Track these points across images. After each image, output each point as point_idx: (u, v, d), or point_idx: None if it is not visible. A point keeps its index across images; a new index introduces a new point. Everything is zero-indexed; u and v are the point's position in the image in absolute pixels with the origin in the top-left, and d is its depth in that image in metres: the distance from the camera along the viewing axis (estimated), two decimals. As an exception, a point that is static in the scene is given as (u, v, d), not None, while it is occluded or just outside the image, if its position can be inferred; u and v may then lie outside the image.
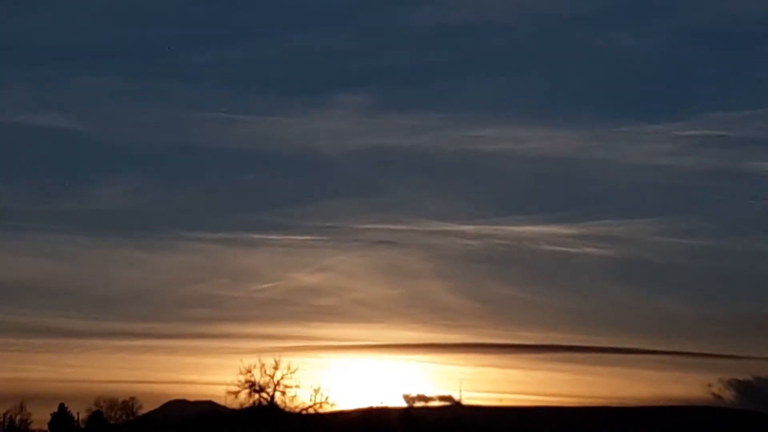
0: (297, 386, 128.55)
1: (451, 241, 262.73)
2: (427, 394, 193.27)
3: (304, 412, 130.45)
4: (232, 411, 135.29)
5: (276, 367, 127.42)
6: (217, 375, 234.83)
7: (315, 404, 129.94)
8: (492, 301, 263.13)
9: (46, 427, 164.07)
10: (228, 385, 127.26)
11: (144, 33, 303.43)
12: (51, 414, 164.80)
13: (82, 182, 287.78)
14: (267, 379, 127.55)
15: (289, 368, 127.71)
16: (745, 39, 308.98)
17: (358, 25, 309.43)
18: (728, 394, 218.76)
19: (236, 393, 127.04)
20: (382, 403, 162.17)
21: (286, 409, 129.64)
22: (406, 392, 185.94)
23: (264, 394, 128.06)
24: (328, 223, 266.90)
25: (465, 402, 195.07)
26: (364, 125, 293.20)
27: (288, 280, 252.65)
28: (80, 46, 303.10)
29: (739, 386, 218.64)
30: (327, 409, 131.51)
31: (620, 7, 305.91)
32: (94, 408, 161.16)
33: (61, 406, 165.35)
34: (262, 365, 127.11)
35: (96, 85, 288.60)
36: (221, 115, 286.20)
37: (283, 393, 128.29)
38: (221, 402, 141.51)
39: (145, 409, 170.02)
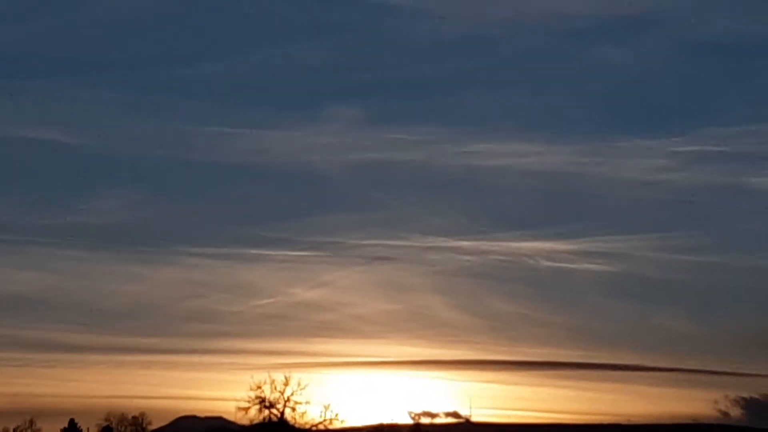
0: (307, 402, 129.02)
1: (448, 256, 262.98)
2: (433, 411, 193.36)
3: (314, 428, 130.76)
4: (242, 427, 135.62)
5: (286, 383, 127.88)
6: (224, 390, 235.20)
7: (325, 420, 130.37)
8: (491, 316, 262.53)
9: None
10: (238, 400, 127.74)
11: (141, 47, 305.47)
12: (61, 429, 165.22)
13: (83, 196, 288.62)
14: (277, 395, 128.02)
15: (299, 384, 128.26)
16: (742, 53, 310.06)
17: (352, 38, 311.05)
18: (735, 412, 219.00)
19: (246, 409, 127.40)
20: (392, 419, 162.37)
21: (296, 425, 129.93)
22: (411, 408, 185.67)
23: (274, 410, 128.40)
24: (327, 239, 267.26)
25: (474, 419, 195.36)
26: (360, 139, 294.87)
27: (287, 295, 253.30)
28: (79, 60, 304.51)
29: (746, 404, 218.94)
30: (337, 425, 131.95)
31: (618, 22, 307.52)
32: (104, 423, 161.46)
33: (71, 422, 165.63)
34: (273, 381, 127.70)
35: (95, 98, 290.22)
36: (218, 129, 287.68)
37: (293, 409, 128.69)
38: (231, 418, 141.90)
39: (155, 424, 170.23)
